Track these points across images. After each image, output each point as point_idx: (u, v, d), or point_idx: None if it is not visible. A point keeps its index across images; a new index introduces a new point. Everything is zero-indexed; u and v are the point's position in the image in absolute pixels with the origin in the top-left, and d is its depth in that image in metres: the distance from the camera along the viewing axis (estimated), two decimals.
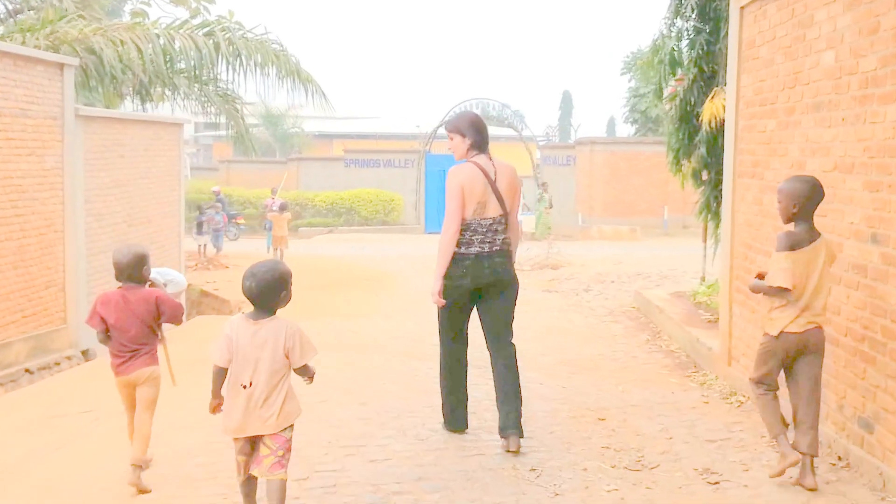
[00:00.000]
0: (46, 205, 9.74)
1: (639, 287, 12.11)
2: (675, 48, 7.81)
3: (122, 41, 13.62)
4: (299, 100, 16.28)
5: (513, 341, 4.91)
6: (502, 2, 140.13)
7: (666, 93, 8.08)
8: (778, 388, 4.14)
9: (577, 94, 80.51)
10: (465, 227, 4.67)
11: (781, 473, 4.07)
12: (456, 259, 4.66)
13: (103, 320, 4.42)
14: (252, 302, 3.57)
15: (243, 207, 27.94)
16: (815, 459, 4.06)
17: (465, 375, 5.08)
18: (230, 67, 15.13)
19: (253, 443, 3.58)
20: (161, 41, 14.38)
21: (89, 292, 11.09)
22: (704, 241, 9.66)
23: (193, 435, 5.41)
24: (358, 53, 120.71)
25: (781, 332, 4.00)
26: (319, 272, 15.00)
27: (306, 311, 11.45)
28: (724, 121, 7.01)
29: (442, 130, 28.72)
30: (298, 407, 3.67)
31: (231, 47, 14.71)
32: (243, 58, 15.01)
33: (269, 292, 3.52)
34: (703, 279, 9.57)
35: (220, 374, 3.59)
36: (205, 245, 18.87)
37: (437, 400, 5.67)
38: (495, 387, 4.86)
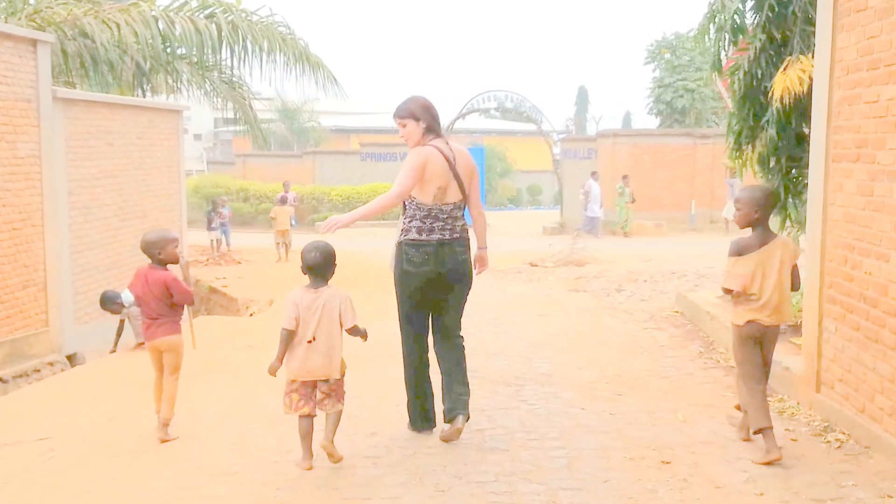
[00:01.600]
0: (21, 196, 8.74)
1: (678, 288, 10.98)
2: (738, 11, 6.66)
3: (116, 23, 12.63)
4: (309, 85, 15.26)
5: (461, 335, 4.91)
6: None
7: (725, 66, 6.91)
8: (764, 379, 4.44)
9: (593, 90, 79.00)
10: (425, 214, 4.59)
11: (768, 463, 4.21)
12: (417, 245, 4.60)
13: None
14: (312, 271, 4.32)
15: (259, 202, 27.34)
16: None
17: (428, 373, 4.90)
18: (234, 53, 14.14)
19: (313, 386, 4.33)
20: (160, 24, 13.39)
21: (76, 292, 10.13)
22: None
23: (166, 475, 4.43)
24: (373, 48, 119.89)
25: (747, 322, 4.38)
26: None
27: None
28: (800, 95, 5.89)
29: (459, 124, 28.36)
30: (344, 361, 4.43)
31: (234, 31, 13.71)
32: (248, 42, 14.02)
33: (327, 262, 4.33)
34: None
35: (289, 337, 4.29)
36: (218, 240, 18.42)
37: (464, 435, 4.81)
38: (443, 380, 4.79)
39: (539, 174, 41.47)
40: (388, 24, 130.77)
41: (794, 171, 6.40)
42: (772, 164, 6.51)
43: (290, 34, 14.68)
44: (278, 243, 17.33)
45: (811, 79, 5.72)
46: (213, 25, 13.45)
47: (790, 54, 6.12)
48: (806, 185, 6.13)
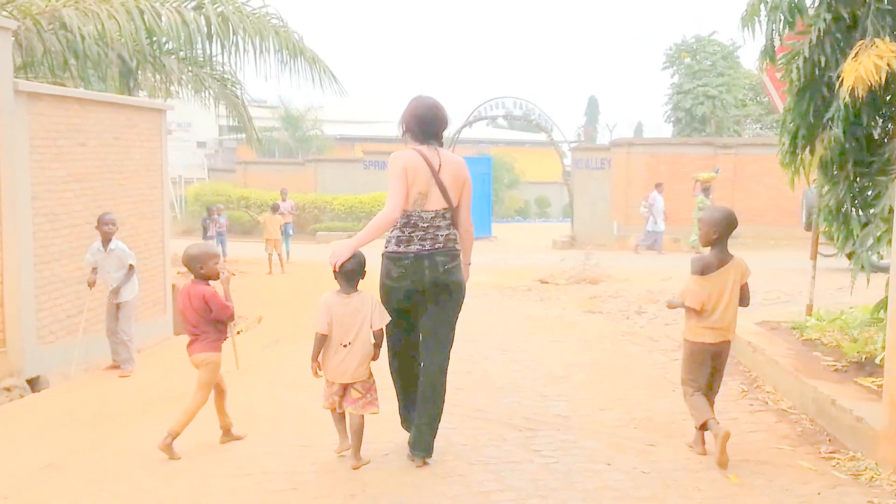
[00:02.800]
0: None
1: None
2: None
3: (97, 14, 11.73)
4: (304, 81, 14.34)
5: (448, 354, 4.59)
6: (524, 6, 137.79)
7: (780, 52, 5.87)
8: (702, 388, 4.71)
9: (603, 100, 77.80)
10: (405, 222, 4.43)
11: (696, 449, 4.67)
12: (394, 259, 4.46)
13: None
14: (346, 277, 4.42)
15: (260, 210, 26.59)
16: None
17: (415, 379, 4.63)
18: (224, 48, 13.24)
19: (345, 386, 4.47)
20: (145, 16, 12.48)
21: (39, 308, 9.14)
22: (813, 257, 7.45)
23: None
24: (380, 56, 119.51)
25: (700, 342, 4.64)
26: (333, 283, 13.15)
27: (312, 331, 9.49)
28: (875, 87, 4.88)
29: (465, 133, 27.36)
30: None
31: (224, 23, 12.80)
32: (239, 37, 13.12)
33: (360, 269, 4.45)
34: (810, 308, 7.35)
35: (321, 340, 4.45)
36: None
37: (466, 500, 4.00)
38: (417, 401, 4.54)
39: (547, 185, 40.54)
40: (396, 30, 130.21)
41: (861, 178, 5.36)
42: (835, 170, 5.47)
43: (284, 26, 13.77)
44: (269, 254, 16.63)
45: (890, 66, 4.75)
46: (202, 17, 12.56)
47: (862, 37, 5.11)
48: (877, 196, 5.16)
